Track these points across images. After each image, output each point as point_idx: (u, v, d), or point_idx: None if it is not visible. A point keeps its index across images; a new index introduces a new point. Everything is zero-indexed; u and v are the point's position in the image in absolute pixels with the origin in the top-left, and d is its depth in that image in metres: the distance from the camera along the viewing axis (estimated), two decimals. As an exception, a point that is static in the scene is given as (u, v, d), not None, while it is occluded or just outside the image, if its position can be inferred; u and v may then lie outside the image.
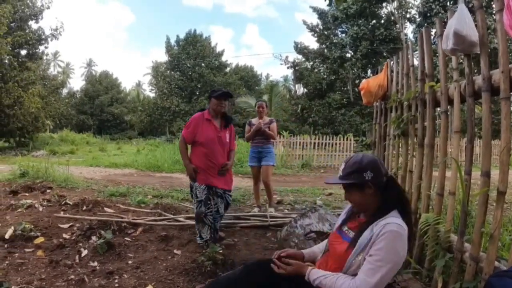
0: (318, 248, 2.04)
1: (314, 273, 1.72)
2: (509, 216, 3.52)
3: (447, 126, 2.55)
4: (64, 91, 39.26)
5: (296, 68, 24.61)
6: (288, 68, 25.11)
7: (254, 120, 5.25)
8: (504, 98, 1.84)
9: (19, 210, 4.40)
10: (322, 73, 24.21)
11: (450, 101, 2.46)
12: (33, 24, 19.46)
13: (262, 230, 4.15)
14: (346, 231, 1.78)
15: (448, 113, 2.54)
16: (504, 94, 1.84)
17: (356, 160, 1.69)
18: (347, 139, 13.62)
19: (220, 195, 3.56)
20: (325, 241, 2.01)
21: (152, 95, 41.99)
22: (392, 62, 3.54)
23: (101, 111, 39.43)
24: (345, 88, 23.72)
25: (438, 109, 2.62)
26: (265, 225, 4.24)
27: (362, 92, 3.75)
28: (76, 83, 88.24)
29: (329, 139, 13.73)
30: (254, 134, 5.07)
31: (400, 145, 3.20)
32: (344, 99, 22.91)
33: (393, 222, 1.59)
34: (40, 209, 4.50)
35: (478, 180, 2.02)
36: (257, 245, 3.61)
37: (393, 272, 1.59)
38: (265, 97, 24.39)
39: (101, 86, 41.56)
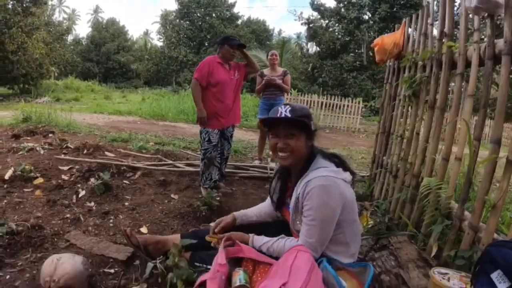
0: (252, 211, 2.07)
1: (258, 240, 1.73)
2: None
3: (461, 89, 2.42)
4: (70, 37, 38.48)
5: (310, 25, 23.68)
6: (302, 24, 24.34)
7: (266, 71, 5.02)
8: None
9: (20, 153, 4.39)
10: (336, 33, 23.29)
11: (468, 64, 2.31)
12: (37, -32, 18.67)
13: (261, 181, 4.17)
14: (288, 201, 1.81)
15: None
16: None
17: (303, 107, 1.72)
18: (358, 103, 13.20)
19: (226, 138, 3.65)
20: (262, 204, 2.10)
21: (160, 44, 41.09)
22: (410, 21, 3.34)
23: (107, 58, 38.74)
24: (359, 51, 22.83)
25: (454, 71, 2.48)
26: (265, 177, 4.26)
27: (375, 49, 3.57)
28: (82, 30, 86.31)
29: (338, 100, 13.39)
30: (264, 87, 4.89)
31: (410, 106, 3.08)
32: (357, 62, 22.14)
33: (316, 176, 1.58)
34: (42, 152, 4.50)
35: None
36: (254, 195, 3.63)
37: (332, 224, 1.60)
38: (276, 52, 23.64)
39: (108, 33, 40.54)
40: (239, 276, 1.50)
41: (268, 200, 2.04)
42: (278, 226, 1.87)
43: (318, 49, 24.30)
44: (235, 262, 1.65)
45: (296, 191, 1.64)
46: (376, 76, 20.49)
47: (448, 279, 1.60)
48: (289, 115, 1.61)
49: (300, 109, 1.67)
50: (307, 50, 26.55)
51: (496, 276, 1.25)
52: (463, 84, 2.45)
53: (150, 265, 1.81)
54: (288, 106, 1.64)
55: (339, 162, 1.72)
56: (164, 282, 1.72)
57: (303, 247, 1.54)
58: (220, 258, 1.54)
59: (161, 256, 1.82)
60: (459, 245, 1.97)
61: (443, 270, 1.68)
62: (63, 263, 1.64)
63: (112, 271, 1.92)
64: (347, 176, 1.68)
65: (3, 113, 8.69)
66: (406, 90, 3.02)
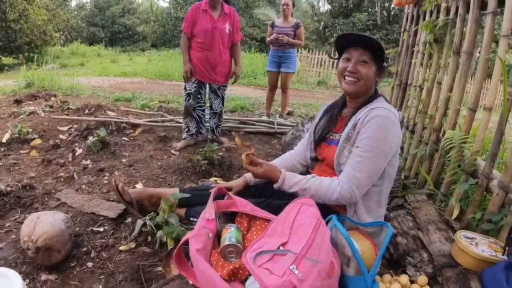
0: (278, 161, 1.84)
1: (291, 176, 1.49)
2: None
3: (493, 31, 2.07)
4: (73, 3, 37.61)
5: (322, -19, 22.51)
6: (313, -19, 23.02)
7: (278, 22, 4.74)
8: None
9: (21, 117, 4.23)
10: (349, -10, 22.10)
11: (501, 2, 1.96)
12: None
13: (268, 136, 3.97)
14: (332, 137, 1.59)
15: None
16: None
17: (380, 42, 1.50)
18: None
19: (214, 91, 3.42)
20: (286, 154, 1.86)
21: (165, 5, 39.91)
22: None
23: (113, 22, 37.81)
24: (373, 10, 21.54)
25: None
26: (271, 132, 4.05)
27: (394, -10, 3.21)
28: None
29: (350, 59, 12.88)
30: (272, 42, 4.67)
31: (431, 53, 2.76)
32: (370, 21, 21.08)
33: (380, 106, 1.41)
34: (42, 114, 4.33)
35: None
36: (260, 151, 3.42)
37: (384, 162, 1.41)
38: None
39: (112, -4, 39.43)
40: (229, 234, 1.25)
41: (286, 154, 1.85)
42: None
43: (329, 7, 23.21)
44: (228, 217, 1.43)
45: (356, 117, 1.46)
46: (389, 37, 19.48)
47: (476, 245, 1.39)
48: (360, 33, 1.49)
49: (378, 41, 1.51)
50: (318, 8, 25.41)
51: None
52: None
53: (139, 222, 1.64)
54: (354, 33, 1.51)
55: None
56: (153, 240, 1.55)
57: (309, 200, 1.31)
58: (208, 212, 1.30)
59: (152, 212, 1.65)
60: (485, 207, 1.75)
61: (470, 235, 1.47)
62: (41, 222, 1.47)
63: (101, 229, 1.76)
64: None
65: (7, 82, 8.50)
66: (427, 35, 2.69)
